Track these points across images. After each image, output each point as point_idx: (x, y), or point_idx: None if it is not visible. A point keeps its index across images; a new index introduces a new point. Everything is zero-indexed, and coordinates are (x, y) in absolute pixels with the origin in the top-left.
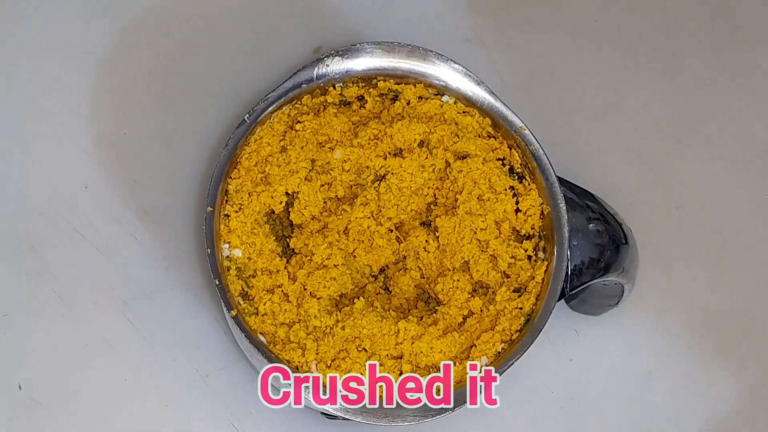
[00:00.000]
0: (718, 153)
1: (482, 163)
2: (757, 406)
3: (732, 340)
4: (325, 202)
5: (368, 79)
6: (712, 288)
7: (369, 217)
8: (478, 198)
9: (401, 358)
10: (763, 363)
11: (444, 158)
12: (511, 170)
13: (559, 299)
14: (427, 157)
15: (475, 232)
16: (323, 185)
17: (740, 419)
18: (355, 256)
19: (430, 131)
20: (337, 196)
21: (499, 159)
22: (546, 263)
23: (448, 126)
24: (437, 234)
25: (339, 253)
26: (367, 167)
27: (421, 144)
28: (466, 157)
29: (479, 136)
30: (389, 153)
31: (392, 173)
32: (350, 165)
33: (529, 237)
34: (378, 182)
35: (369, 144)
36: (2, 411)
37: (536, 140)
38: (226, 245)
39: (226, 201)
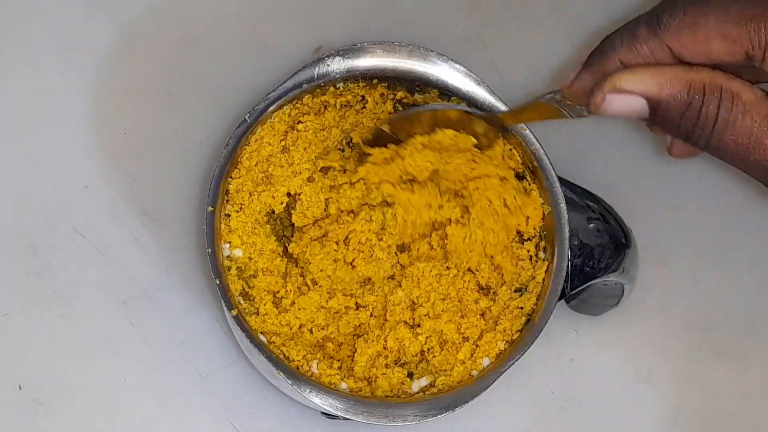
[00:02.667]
0: None
1: (500, 182)
2: (757, 406)
3: (732, 340)
4: (327, 205)
5: (369, 78)
6: (712, 288)
7: (370, 231)
8: (491, 214)
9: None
10: (763, 363)
11: (459, 181)
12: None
13: (560, 299)
14: (437, 197)
15: (485, 246)
16: (325, 187)
17: (740, 419)
18: (353, 266)
19: (444, 162)
20: (340, 208)
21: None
22: (547, 263)
23: (463, 154)
24: (445, 241)
25: (336, 265)
26: (376, 188)
27: (433, 173)
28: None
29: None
30: (399, 179)
31: (400, 205)
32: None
33: (530, 238)
34: (385, 207)
35: (380, 163)
36: (2, 411)
37: (537, 140)
38: (227, 245)
39: (227, 201)
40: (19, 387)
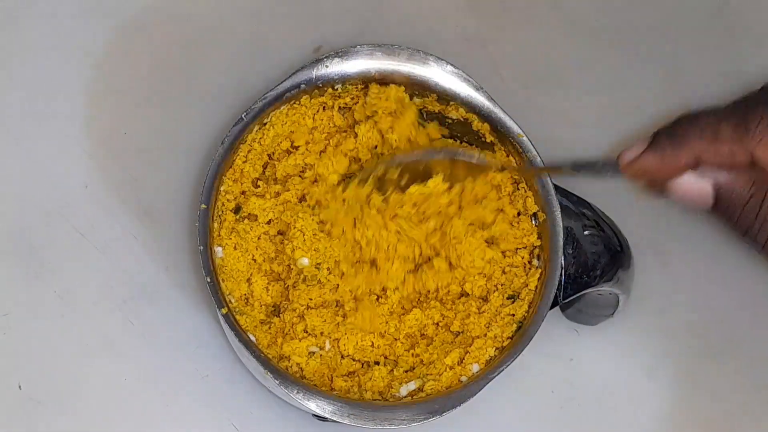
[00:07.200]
0: None
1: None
2: (757, 406)
3: (732, 340)
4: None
5: (368, 81)
6: (712, 288)
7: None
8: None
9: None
10: (763, 363)
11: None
12: None
13: (552, 307)
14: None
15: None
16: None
17: (740, 419)
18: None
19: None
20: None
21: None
22: (540, 270)
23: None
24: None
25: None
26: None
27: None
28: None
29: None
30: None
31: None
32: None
33: (524, 246)
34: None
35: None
36: (2, 411)
37: (534, 147)
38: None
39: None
40: (19, 387)
